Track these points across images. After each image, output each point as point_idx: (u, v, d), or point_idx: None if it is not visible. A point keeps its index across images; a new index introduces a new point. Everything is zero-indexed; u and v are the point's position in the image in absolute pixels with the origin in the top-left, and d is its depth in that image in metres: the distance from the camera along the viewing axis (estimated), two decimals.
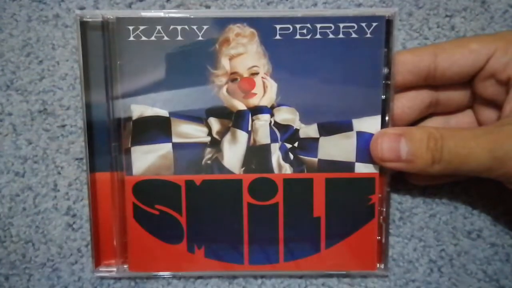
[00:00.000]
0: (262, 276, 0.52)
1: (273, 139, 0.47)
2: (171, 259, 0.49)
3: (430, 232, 0.52)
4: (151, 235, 0.48)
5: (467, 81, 0.47)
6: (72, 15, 0.51)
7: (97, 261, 0.49)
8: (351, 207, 0.48)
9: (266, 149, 0.47)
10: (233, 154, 0.47)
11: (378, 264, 0.49)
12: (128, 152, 0.47)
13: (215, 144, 0.47)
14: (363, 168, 0.47)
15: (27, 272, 0.52)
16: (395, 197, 0.52)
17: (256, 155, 0.47)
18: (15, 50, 0.51)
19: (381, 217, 0.48)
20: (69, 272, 0.52)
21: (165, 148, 0.47)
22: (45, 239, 0.52)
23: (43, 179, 0.51)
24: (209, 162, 0.47)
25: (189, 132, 0.47)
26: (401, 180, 0.51)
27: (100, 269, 0.49)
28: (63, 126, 0.51)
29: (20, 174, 0.51)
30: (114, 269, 0.49)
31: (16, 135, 0.51)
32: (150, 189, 0.48)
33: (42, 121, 0.51)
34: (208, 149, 0.47)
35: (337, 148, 0.47)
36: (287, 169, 0.48)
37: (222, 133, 0.47)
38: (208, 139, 0.47)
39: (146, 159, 0.47)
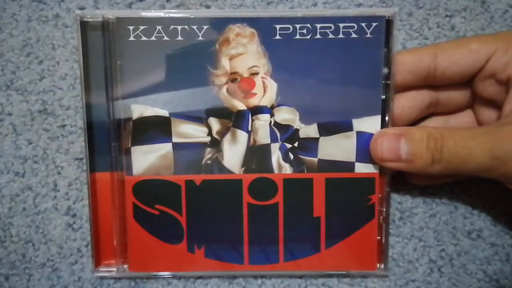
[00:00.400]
0: (262, 276, 0.51)
1: (273, 139, 0.47)
2: (171, 259, 0.49)
3: (430, 232, 0.52)
4: (151, 235, 0.48)
5: (467, 81, 0.47)
6: (72, 15, 0.51)
7: (97, 261, 0.49)
8: (351, 207, 0.48)
9: (266, 149, 0.47)
10: (233, 154, 0.47)
11: (378, 264, 0.49)
12: (128, 152, 0.47)
13: (215, 144, 0.47)
14: (363, 168, 0.47)
15: (27, 272, 0.52)
16: (395, 197, 0.52)
17: (256, 155, 0.47)
18: (15, 50, 0.51)
19: (381, 217, 0.48)
20: (69, 272, 0.52)
21: (165, 148, 0.47)
22: (45, 239, 0.52)
23: (43, 179, 0.51)
24: (209, 162, 0.47)
25: (189, 132, 0.47)
26: (401, 180, 0.51)
27: (100, 269, 0.49)
28: (63, 126, 0.51)
29: (20, 174, 0.51)
30: (114, 269, 0.49)
31: (16, 135, 0.51)
32: (150, 189, 0.48)
33: (42, 121, 0.51)
34: (208, 149, 0.47)
35: (337, 148, 0.47)
36: (287, 169, 0.48)
37: (222, 133, 0.47)
38: (208, 139, 0.47)
39: (146, 159, 0.47)
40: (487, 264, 0.52)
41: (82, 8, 0.51)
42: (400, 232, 0.52)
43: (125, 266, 0.49)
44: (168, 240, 0.49)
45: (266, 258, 0.49)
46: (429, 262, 0.52)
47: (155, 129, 0.47)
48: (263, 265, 0.49)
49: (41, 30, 0.51)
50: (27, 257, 0.52)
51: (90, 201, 0.48)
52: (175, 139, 0.47)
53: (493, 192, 0.52)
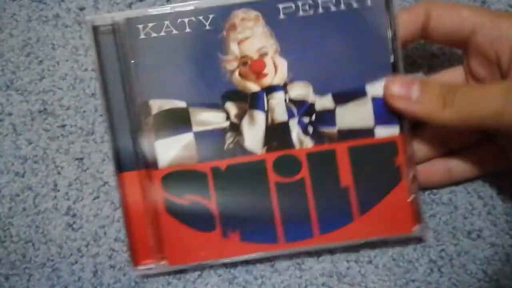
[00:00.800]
0: (299, 254, 0.51)
1: (290, 115, 0.48)
2: (208, 247, 0.47)
3: (430, 232, 0.52)
4: (186, 225, 0.48)
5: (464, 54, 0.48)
6: (72, 15, 0.51)
7: (136, 261, 0.48)
8: (378, 172, 0.48)
9: (284, 126, 0.48)
10: (253, 135, 0.47)
11: (414, 227, 0.49)
12: (152, 147, 0.47)
13: (235, 128, 0.47)
14: (383, 132, 0.48)
15: (27, 272, 0.50)
16: None
17: (276, 133, 0.48)
18: (15, 50, 0.51)
19: (410, 177, 0.48)
20: (69, 272, 0.51)
21: (187, 138, 0.47)
22: (45, 239, 0.50)
23: (43, 179, 0.50)
24: (231, 146, 0.47)
25: (208, 119, 0.47)
26: None
27: (139, 268, 0.47)
28: (63, 126, 0.51)
29: (20, 174, 0.50)
30: (153, 266, 0.47)
31: (16, 135, 0.50)
32: (178, 181, 0.47)
33: (42, 121, 0.50)
34: (229, 134, 0.47)
35: (355, 115, 0.48)
36: (308, 143, 0.48)
37: (240, 116, 0.47)
38: (227, 124, 0.47)
39: (170, 151, 0.47)
40: (487, 264, 0.52)
41: (82, 8, 0.52)
42: None
43: (163, 262, 0.48)
44: (202, 229, 0.47)
45: (300, 234, 0.48)
46: (429, 262, 0.52)
47: (175, 121, 0.47)
48: (299, 242, 0.48)
49: (41, 30, 0.51)
50: (27, 257, 0.50)
51: (121, 202, 0.47)
52: (195, 128, 0.47)
53: (493, 192, 0.52)
